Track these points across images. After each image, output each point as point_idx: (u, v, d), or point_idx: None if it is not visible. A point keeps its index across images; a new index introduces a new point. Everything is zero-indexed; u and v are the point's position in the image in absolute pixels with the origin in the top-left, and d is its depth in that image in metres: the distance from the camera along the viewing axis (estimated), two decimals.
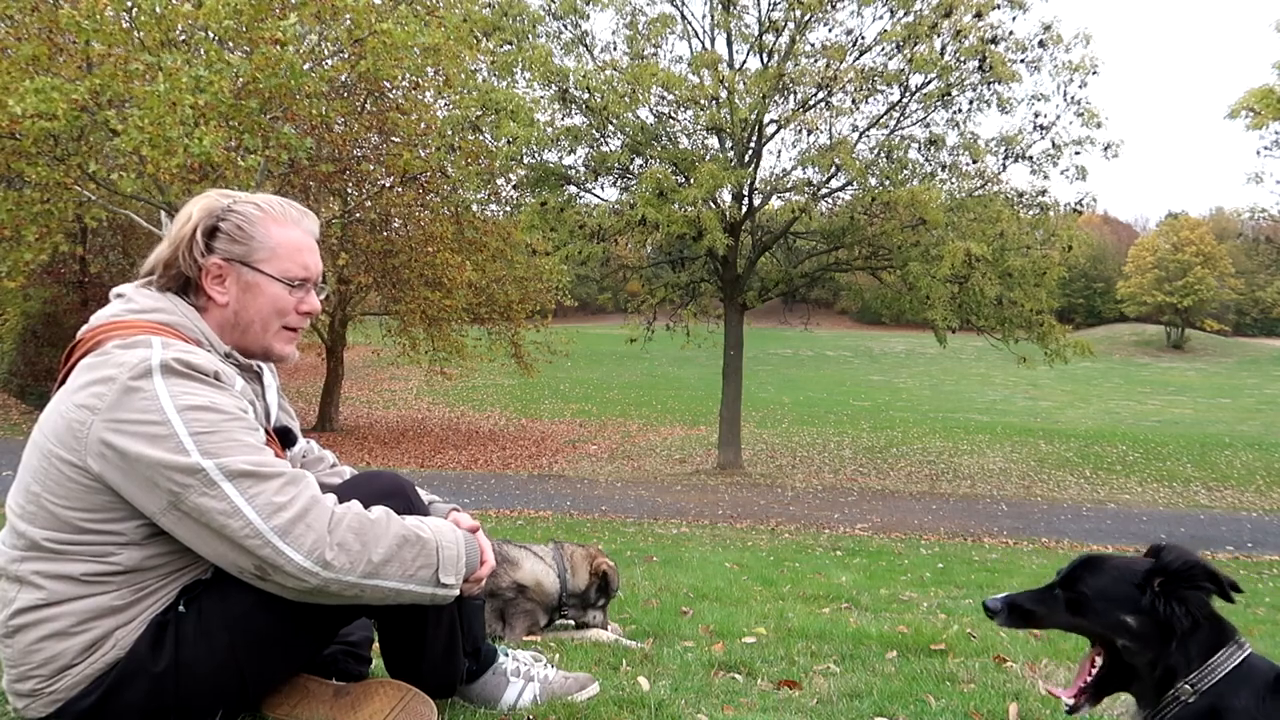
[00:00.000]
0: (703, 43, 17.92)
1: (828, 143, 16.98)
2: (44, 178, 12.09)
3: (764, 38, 17.21)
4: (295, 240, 2.01)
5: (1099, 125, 16.82)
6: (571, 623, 3.41)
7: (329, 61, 14.05)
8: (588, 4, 17.22)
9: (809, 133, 17.23)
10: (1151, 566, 1.73)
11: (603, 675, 2.58)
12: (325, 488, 2.01)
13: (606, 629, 3.41)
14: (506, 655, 2.31)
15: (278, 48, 11.48)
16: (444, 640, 2.05)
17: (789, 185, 18.10)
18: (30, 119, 10.91)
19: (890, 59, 16.79)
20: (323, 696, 2.02)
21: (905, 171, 16.87)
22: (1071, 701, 1.83)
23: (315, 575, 1.73)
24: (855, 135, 17.43)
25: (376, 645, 2.19)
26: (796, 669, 2.94)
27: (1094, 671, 1.80)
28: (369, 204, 18.41)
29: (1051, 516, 14.88)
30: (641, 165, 16.99)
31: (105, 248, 23.59)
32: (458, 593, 1.92)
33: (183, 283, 1.96)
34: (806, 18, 16.62)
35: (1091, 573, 1.79)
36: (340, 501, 1.84)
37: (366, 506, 1.86)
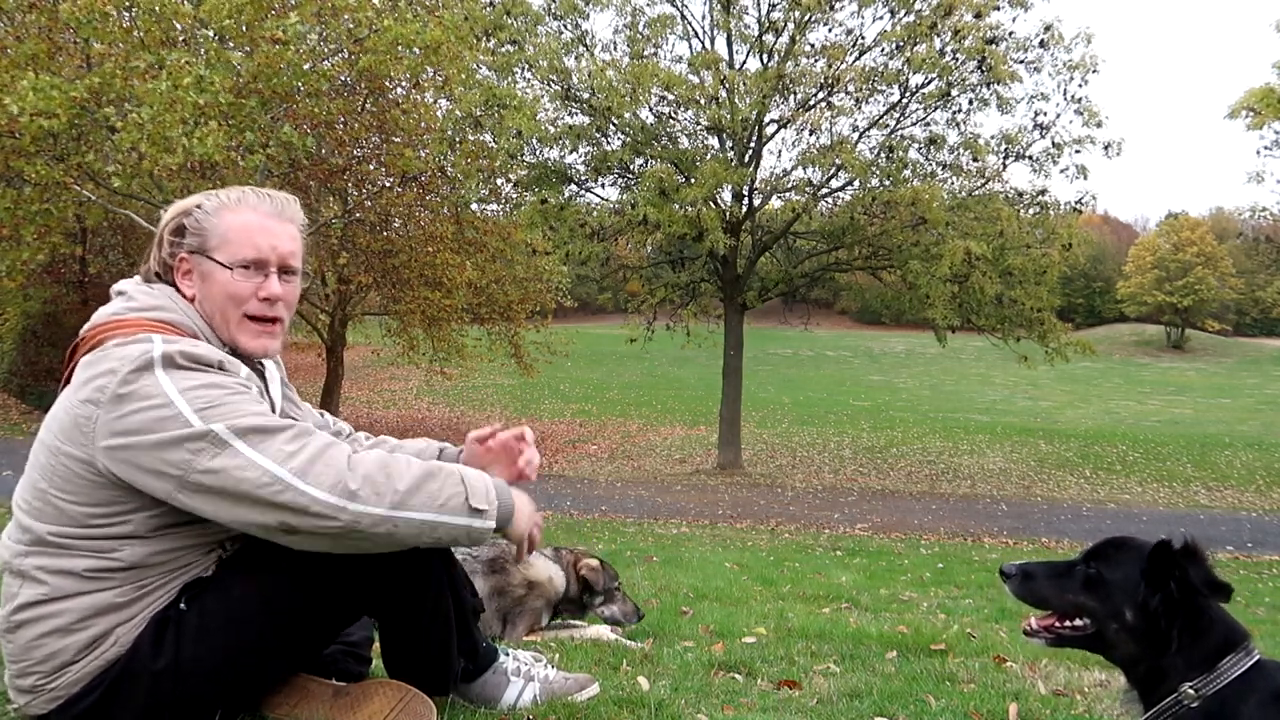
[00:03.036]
0: (703, 43, 17.92)
1: (828, 142, 16.98)
2: (43, 176, 12.06)
3: (764, 38, 17.20)
4: (247, 223, 1.95)
5: (1099, 124, 16.83)
6: (572, 622, 3.45)
7: (329, 61, 14.05)
8: (588, 4, 17.22)
9: (810, 132, 17.23)
10: (1155, 545, 1.70)
11: (603, 675, 2.58)
12: None
13: (626, 619, 3.48)
14: (507, 655, 2.31)
15: (279, 47, 11.46)
16: (439, 637, 2.04)
17: (789, 185, 18.11)
18: (29, 117, 10.90)
19: (890, 59, 16.79)
20: (322, 696, 2.02)
21: (906, 171, 16.86)
22: (1035, 628, 1.80)
23: (344, 510, 1.70)
24: (855, 135, 17.43)
25: (376, 645, 2.19)
26: (796, 669, 2.94)
27: (1074, 626, 1.77)
28: (369, 204, 18.39)
29: (1051, 516, 14.88)
30: (642, 165, 16.99)
31: (105, 247, 23.57)
32: (494, 524, 1.86)
33: (158, 280, 1.97)
34: (806, 18, 16.61)
35: (1117, 551, 1.75)
36: None
37: None
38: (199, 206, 1.98)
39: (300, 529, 1.71)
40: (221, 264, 1.93)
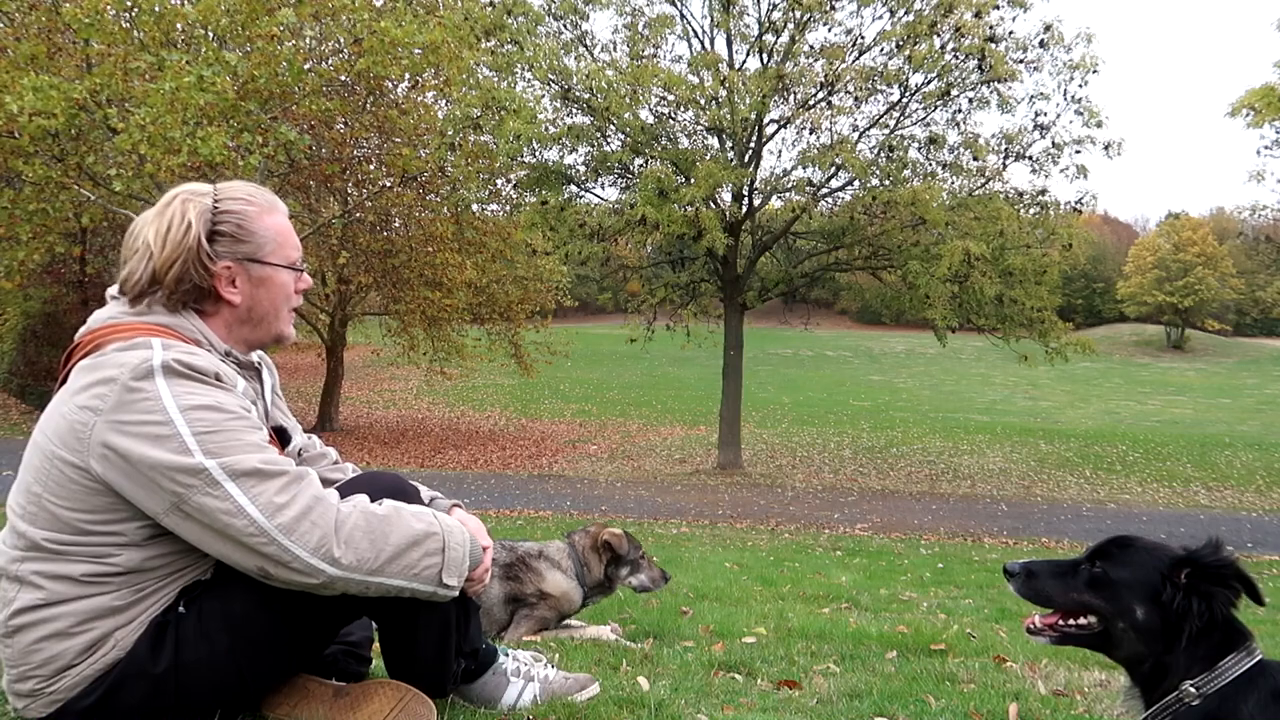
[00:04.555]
0: (703, 43, 17.91)
1: (828, 142, 16.97)
2: (41, 176, 12.05)
3: (764, 38, 17.19)
4: (286, 225, 2.04)
5: (1099, 124, 16.80)
6: (571, 622, 3.46)
7: (329, 61, 14.05)
8: (588, 4, 17.22)
9: (810, 132, 17.22)
10: (1182, 556, 1.68)
11: (603, 675, 2.58)
12: (327, 483, 2.01)
13: (654, 584, 3.56)
14: (507, 655, 2.31)
15: (273, 43, 11.47)
16: (437, 638, 2.05)
17: (789, 185, 18.09)
18: (28, 116, 10.88)
19: (890, 58, 16.78)
20: (322, 696, 2.02)
21: (906, 170, 16.85)
22: (1039, 626, 1.81)
23: (323, 572, 1.74)
24: (855, 135, 17.41)
25: (376, 645, 2.19)
26: (796, 669, 2.94)
27: (1079, 624, 1.77)
28: (369, 204, 18.41)
29: (1051, 516, 14.88)
30: (642, 165, 16.98)
31: (105, 247, 23.56)
32: (457, 594, 1.92)
33: (196, 295, 1.90)
34: (806, 18, 16.60)
35: (1121, 551, 1.75)
36: (344, 498, 1.84)
37: (374, 500, 1.87)
38: (223, 210, 1.92)
39: (277, 577, 1.76)
40: (281, 266, 2.00)
